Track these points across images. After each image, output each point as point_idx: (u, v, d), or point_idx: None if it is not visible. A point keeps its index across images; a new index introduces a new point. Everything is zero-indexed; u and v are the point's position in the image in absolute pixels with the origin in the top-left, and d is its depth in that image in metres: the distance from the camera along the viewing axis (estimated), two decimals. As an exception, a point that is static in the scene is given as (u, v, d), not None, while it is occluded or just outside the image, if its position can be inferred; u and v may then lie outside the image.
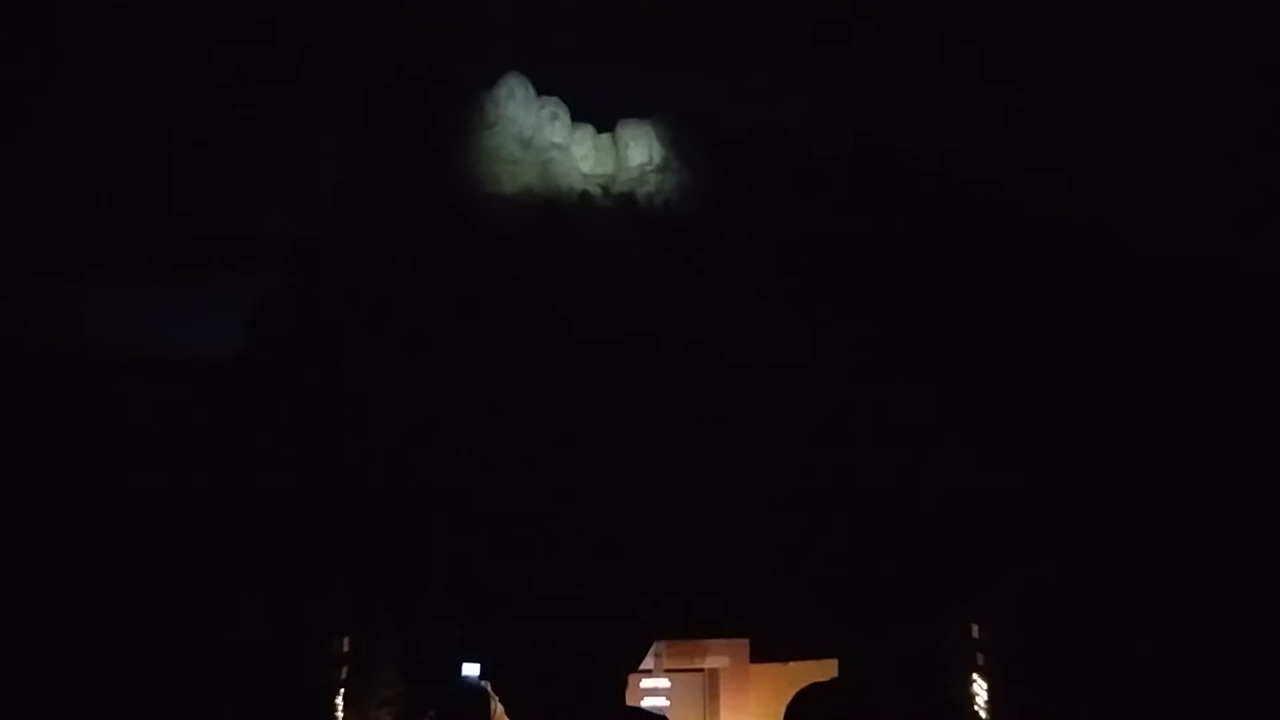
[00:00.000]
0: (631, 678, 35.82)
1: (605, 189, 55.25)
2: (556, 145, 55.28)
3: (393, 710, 35.99)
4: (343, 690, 34.30)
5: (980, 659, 33.13)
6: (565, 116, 56.23)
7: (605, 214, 54.43)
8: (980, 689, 33.16)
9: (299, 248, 51.19)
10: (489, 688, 33.25)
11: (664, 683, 36.37)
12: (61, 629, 29.92)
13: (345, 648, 34.72)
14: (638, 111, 57.34)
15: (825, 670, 34.08)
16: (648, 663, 37.73)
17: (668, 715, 36.79)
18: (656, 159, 55.86)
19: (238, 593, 33.58)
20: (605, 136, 56.84)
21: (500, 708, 30.13)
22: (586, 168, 55.78)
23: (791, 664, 34.88)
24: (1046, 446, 39.68)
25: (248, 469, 38.88)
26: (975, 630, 33.34)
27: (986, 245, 51.67)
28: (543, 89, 56.39)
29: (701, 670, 37.68)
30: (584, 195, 54.54)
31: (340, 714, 34.15)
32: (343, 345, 46.26)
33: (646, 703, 33.61)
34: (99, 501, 34.28)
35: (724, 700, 37.56)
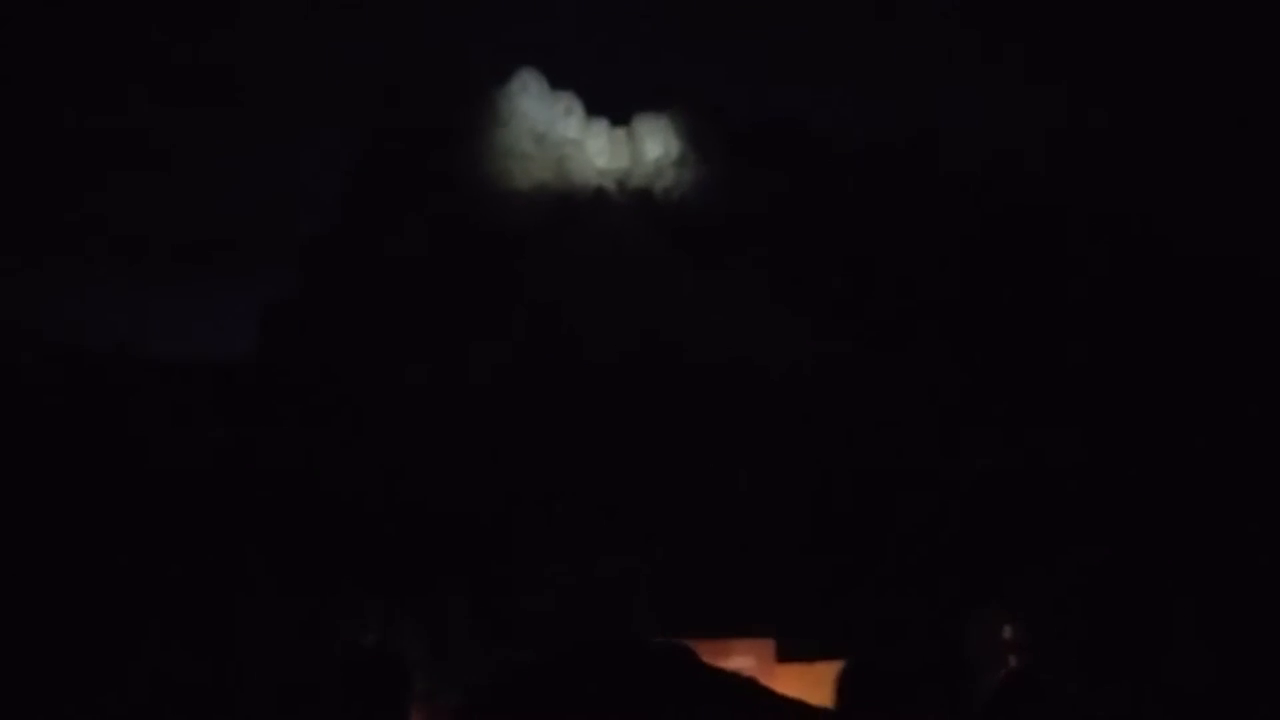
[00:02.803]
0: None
1: (621, 184, 54.70)
2: (571, 140, 54.76)
3: (421, 708, 35.59)
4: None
5: (1012, 661, 32.40)
6: (580, 110, 55.70)
7: (621, 209, 53.89)
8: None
9: (308, 247, 50.92)
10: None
11: None
12: (79, 637, 29.59)
13: (370, 645, 34.36)
14: (654, 104, 56.73)
15: (852, 671, 33.40)
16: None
17: None
18: (674, 153, 55.25)
19: (260, 593, 33.25)
20: (621, 130, 56.28)
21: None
22: (602, 163, 55.25)
23: (818, 664, 34.13)
24: (1084, 433, 38.89)
25: (265, 471, 38.56)
26: (1007, 631, 32.63)
27: (1015, 240, 50.94)
28: (556, 83, 55.88)
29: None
30: (599, 191, 54.01)
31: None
32: (354, 346, 45.92)
33: None
34: (114, 506, 33.97)
35: (748, 702, 36.87)
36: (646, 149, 55.55)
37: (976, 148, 55.23)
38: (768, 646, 35.97)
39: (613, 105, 56.73)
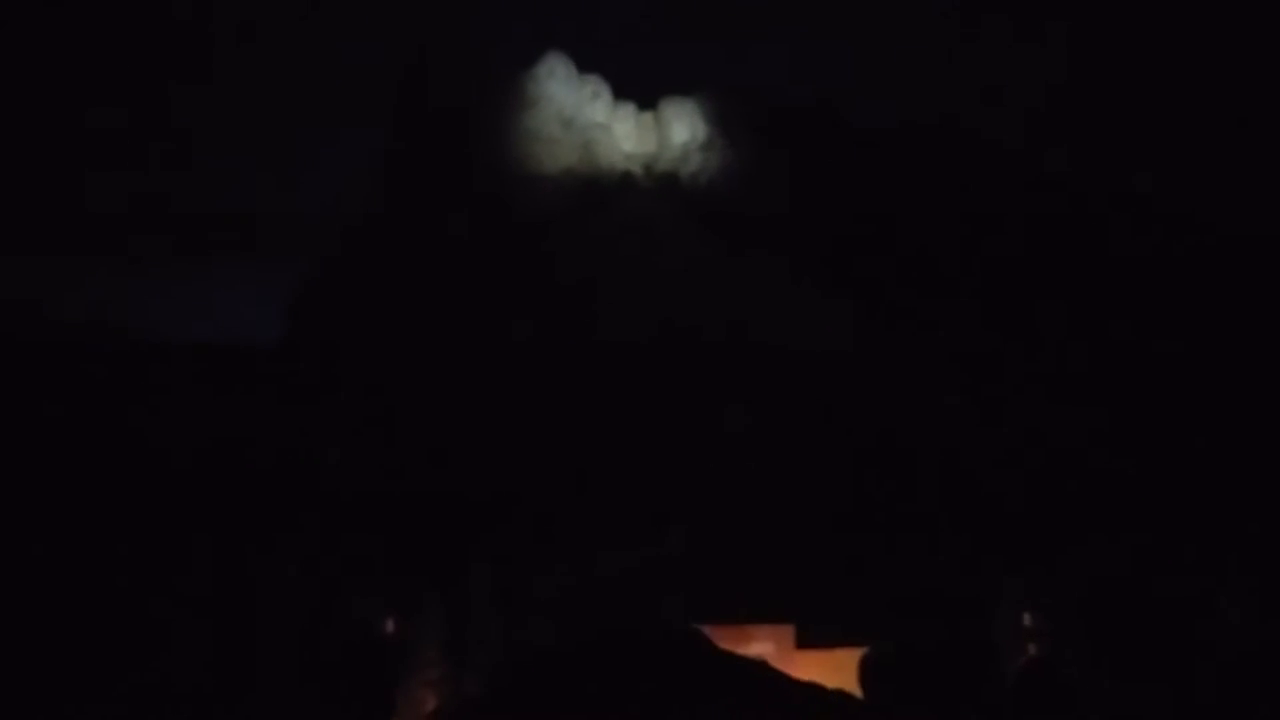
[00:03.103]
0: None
1: (648, 169, 54.72)
2: (598, 124, 54.75)
3: (438, 691, 36.02)
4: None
5: (1031, 648, 32.46)
6: (607, 94, 55.65)
7: (648, 194, 53.94)
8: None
9: (335, 232, 51.29)
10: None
11: None
12: (102, 620, 30.14)
13: (391, 629, 34.82)
14: (681, 88, 56.63)
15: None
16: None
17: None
18: (701, 137, 55.17)
19: (281, 575, 33.73)
20: (648, 114, 56.22)
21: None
22: (629, 147, 55.23)
23: (838, 651, 34.32)
24: (1110, 423, 38.71)
25: (291, 454, 39.02)
26: (1027, 619, 32.67)
27: (1041, 221, 50.59)
28: (584, 66, 55.82)
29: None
30: (626, 175, 54.07)
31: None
32: (382, 331, 46.27)
33: None
34: (141, 488, 34.53)
35: (769, 687, 36.99)
36: (673, 133, 55.49)
37: (996, 129, 54.95)
38: (787, 632, 36.21)
39: (640, 89, 56.65)
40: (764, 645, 36.23)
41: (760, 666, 27.03)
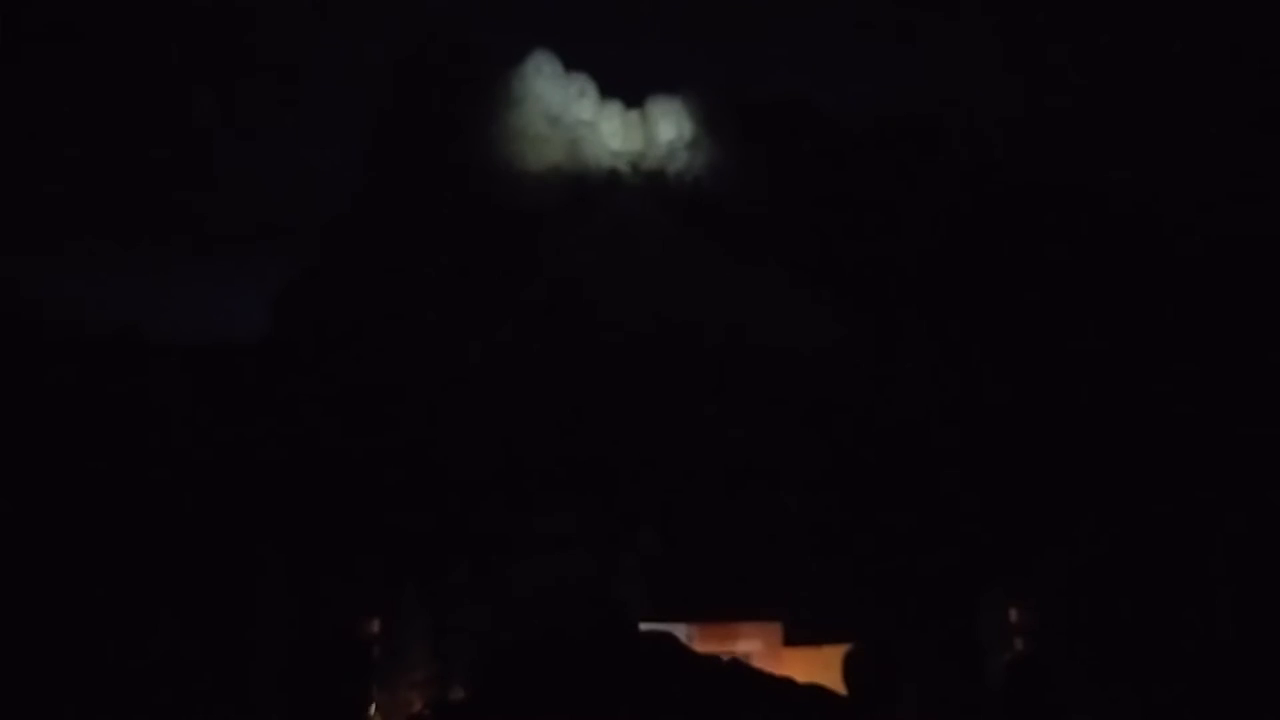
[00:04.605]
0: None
1: (635, 166, 54.65)
2: (584, 122, 54.69)
3: (424, 692, 35.80)
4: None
5: (1019, 644, 32.44)
6: (593, 92, 55.61)
7: (635, 192, 53.86)
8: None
9: (321, 229, 51.12)
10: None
11: None
12: (81, 620, 29.86)
13: (375, 629, 34.58)
14: (668, 86, 56.65)
15: (860, 654, 33.35)
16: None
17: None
18: (687, 135, 55.16)
19: (263, 576, 33.49)
20: (634, 112, 56.18)
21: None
22: (615, 145, 55.17)
23: (825, 647, 34.23)
24: (1093, 422, 38.82)
25: (273, 452, 38.74)
26: (1013, 614, 32.65)
27: (1026, 224, 50.72)
28: (570, 64, 55.80)
29: (733, 654, 37.11)
30: (613, 173, 53.97)
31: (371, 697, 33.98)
32: (366, 328, 46.07)
33: None
34: (121, 486, 34.23)
35: (756, 685, 36.79)
36: (660, 131, 55.46)
37: (982, 126, 55.11)
38: (775, 630, 36.11)
39: (626, 87, 56.70)
40: (751, 643, 36.13)
41: (736, 664, 27.06)
